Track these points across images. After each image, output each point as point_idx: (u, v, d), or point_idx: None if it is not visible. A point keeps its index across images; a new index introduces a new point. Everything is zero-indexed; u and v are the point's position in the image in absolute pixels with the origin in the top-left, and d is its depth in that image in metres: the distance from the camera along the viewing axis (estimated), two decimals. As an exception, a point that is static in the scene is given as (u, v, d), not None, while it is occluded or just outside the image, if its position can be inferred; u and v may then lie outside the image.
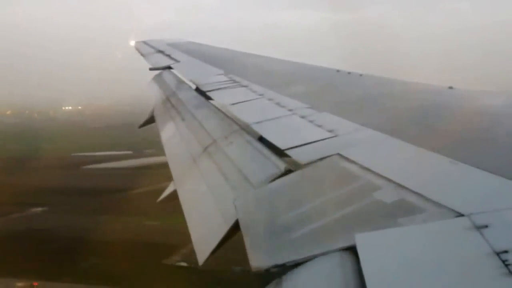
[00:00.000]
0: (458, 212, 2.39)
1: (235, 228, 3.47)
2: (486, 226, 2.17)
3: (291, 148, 4.09)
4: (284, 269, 2.53)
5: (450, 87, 5.70)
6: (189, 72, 10.11)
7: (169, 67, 11.20)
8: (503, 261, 1.90)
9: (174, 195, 5.34)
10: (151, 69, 11.67)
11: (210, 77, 8.74)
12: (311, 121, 4.83)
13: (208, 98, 7.36)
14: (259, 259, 2.73)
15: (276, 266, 2.54)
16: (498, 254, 1.95)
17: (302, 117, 5.07)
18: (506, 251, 1.95)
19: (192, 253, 3.75)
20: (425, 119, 4.65)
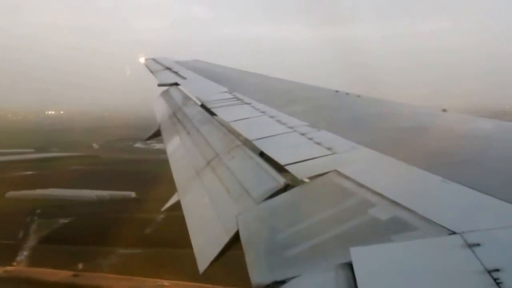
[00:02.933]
0: (450, 230, 2.37)
1: (235, 239, 3.46)
2: (478, 245, 2.15)
3: (291, 164, 4.08)
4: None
5: (444, 110, 5.72)
6: (195, 89, 10.16)
7: (176, 84, 11.27)
8: (495, 279, 1.87)
9: (177, 205, 5.34)
10: (159, 85, 11.73)
11: (215, 94, 8.78)
12: (310, 139, 4.83)
13: (213, 114, 7.38)
14: (259, 275, 2.70)
15: (276, 282, 2.52)
16: (489, 272, 1.93)
17: (302, 134, 5.07)
18: (497, 270, 1.93)
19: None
20: (419, 140, 4.65)
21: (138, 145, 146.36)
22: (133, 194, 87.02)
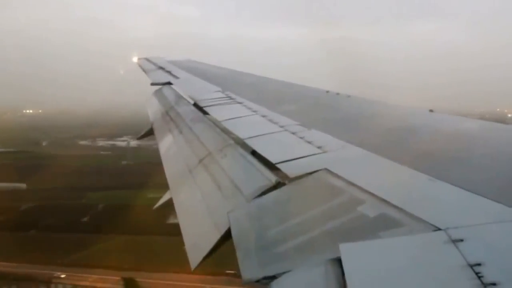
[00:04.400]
0: (435, 226, 2.42)
1: (227, 236, 3.49)
2: (462, 240, 2.21)
3: (282, 162, 4.11)
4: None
5: (431, 110, 5.79)
6: (187, 88, 10.16)
7: (169, 83, 11.25)
8: (477, 273, 1.93)
9: (169, 203, 5.35)
10: (152, 84, 11.71)
11: (208, 94, 8.79)
12: (301, 138, 4.87)
13: (205, 113, 7.40)
14: (250, 271, 2.73)
15: (267, 277, 2.56)
16: (472, 266, 1.98)
17: (293, 133, 5.11)
18: (479, 264, 1.99)
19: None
20: (406, 139, 4.72)
21: (84, 142, 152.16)
22: (24, 186, 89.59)
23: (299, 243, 2.82)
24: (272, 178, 3.92)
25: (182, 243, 3.92)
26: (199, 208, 4.37)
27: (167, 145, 7.08)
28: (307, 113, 6.59)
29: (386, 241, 2.46)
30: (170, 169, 6.05)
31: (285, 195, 3.65)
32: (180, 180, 5.39)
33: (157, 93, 10.97)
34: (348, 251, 2.36)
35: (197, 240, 3.95)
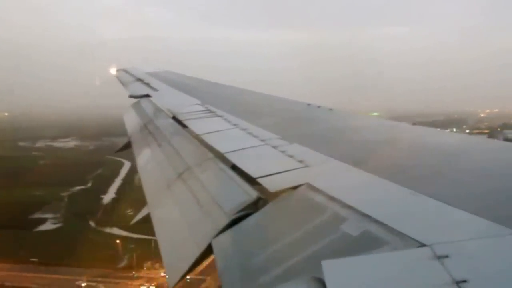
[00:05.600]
0: (420, 242, 2.40)
1: (206, 252, 3.42)
2: (447, 256, 2.19)
3: (263, 176, 4.07)
4: None
5: (414, 124, 5.85)
6: (166, 101, 10.08)
7: (148, 95, 11.16)
8: None
9: (147, 218, 5.25)
10: (130, 96, 11.60)
11: (187, 106, 8.73)
12: (282, 152, 4.84)
13: (184, 126, 7.33)
14: None
15: None
16: (457, 283, 1.96)
17: (274, 147, 5.08)
18: (464, 281, 1.97)
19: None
20: (389, 153, 4.73)
21: (23, 143, 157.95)
22: None
23: (283, 268, 2.79)
24: (253, 193, 3.87)
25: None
26: (177, 224, 4.29)
27: (145, 159, 6.99)
28: (288, 127, 6.59)
29: (370, 257, 2.43)
30: (148, 184, 5.95)
31: (267, 216, 3.60)
32: (158, 195, 5.30)
33: (135, 106, 10.86)
34: (331, 268, 2.32)
35: (176, 257, 3.87)
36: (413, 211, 2.99)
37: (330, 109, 7.72)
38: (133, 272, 61.89)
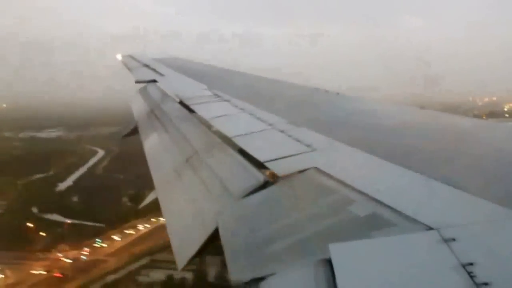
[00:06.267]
0: (428, 226, 2.42)
1: (215, 235, 3.45)
2: (454, 240, 2.21)
3: (271, 160, 4.09)
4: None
5: (422, 107, 5.82)
6: (173, 86, 10.07)
7: (154, 81, 11.15)
8: (469, 273, 1.93)
9: (155, 203, 5.29)
10: (137, 81, 11.59)
11: (194, 91, 8.72)
12: (289, 136, 4.85)
13: (192, 111, 7.34)
14: (238, 272, 2.71)
15: (255, 279, 2.53)
16: (464, 266, 1.98)
17: (281, 131, 5.09)
18: (471, 263, 1.99)
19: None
20: (396, 137, 4.71)
21: (8, 134, 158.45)
22: None
23: (288, 244, 2.80)
24: (261, 177, 3.89)
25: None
26: (185, 208, 4.33)
27: (153, 144, 7.01)
28: (295, 111, 6.58)
29: (377, 241, 2.45)
30: (156, 168, 5.98)
31: (274, 195, 3.62)
32: (166, 179, 5.33)
33: (142, 91, 10.86)
34: (338, 252, 2.34)
35: (184, 240, 3.90)
36: (421, 194, 2.99)
37: (337, 93, 7.69)
38: (39, 254, 62.86)
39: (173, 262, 3.58)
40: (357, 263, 2.28)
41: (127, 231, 68.93)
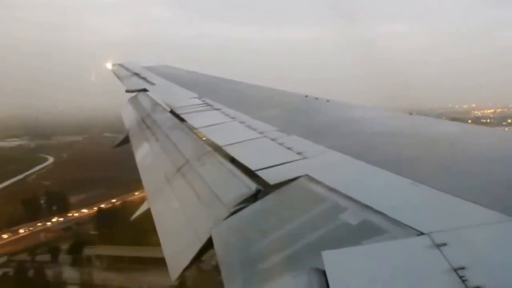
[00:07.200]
0: (419, 231, 2.44)
1: (208, 245, 3.45)
2: (445, 244, 2.22)
3: (262, 169, 4.09)
4: None
5: (410, 113, 5.87)
6: (164, 95, 10.07)
7: (145, 90, 11.15)
8: (460, 277, 1.94)
9: (147, 213, 5.28)
10: (127, 91, 11.58)
11: (185, 100, 8.73)
12: (280, 144, 4.86)
13: (182, 120, 7.34)
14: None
15: None
16: (455, 270, 2.00)
17: (272, 139, 5.10)
18: (463, 268, 2.00)
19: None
20: (386, 143, 4.75)
21: None
22: None
23: (282, 257, 2.80)
24: (252, 185, 3.90)
25: None
26: (178, 218, 4.32)
27: (144, 154, 7.00)
28: (286, 119, 6.60)
29: (370, 247, 2.46)
30: (147, 178, 5.97)
31: (267, 206, 3.62)
32: (158, 189, 5.32)
33: (133, 100, 10.85)
34: (331, 259, 2.35)
35: (177, 251, 3.90)
36: (412, 200, 3.02)
37: (328, 101, 7.73)
38: None
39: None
40: (350, 269, 2.29)
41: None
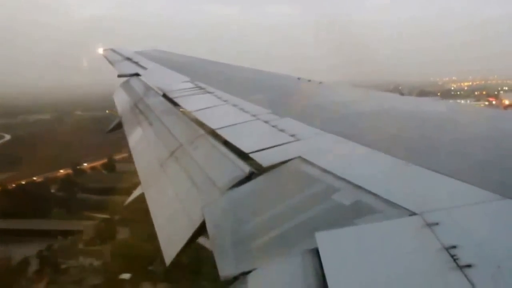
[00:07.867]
0: (411, 211, 2.45)
1: (201, 229, 3.46)
2: (437, 224, 2.24)
3: (255, 151, 4.09)
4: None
5: (402, 94, 5.88)
6: (156, 79, 10.00)
7: (137, 74, 11.06)
8: (452, 256, 1.96)
9: (141, 198, 5.27)
10: (119, 76, 11.49)
11: (177, 84, 8.67)
12: (273, 126, 4.85)
13: (175, 104, 7.30)
14: (227, 267, 2.71)
15: (244, 273, 2.54)
16: (447, 249, 2.01)
17: (265, 122, 5.09)
18: (454, 246, 2.02)
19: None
20: (379, 124, 4.76)
21: None
22: None
23: (275, 236, 2.81)
24: (246, 168, 3.89)
25: None
26: (172, 202, 4.32)
27: (137, 138, 6.97)
28: (278, 101, 6.58)
29: (362, 228, 2.47)
30: (141, 163, 5.95)
31: (259, 186, 3.63)
32: (151, 173, 5.31)
33: (125, 85, 10.77)
34: (324, 240, 2.36)
35: (171, 234, 3.90)
36: (404, 180, 3.03)
37: (320, 83, 7.71)
38: None
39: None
40: (343, 250, 2.31)
41: None
